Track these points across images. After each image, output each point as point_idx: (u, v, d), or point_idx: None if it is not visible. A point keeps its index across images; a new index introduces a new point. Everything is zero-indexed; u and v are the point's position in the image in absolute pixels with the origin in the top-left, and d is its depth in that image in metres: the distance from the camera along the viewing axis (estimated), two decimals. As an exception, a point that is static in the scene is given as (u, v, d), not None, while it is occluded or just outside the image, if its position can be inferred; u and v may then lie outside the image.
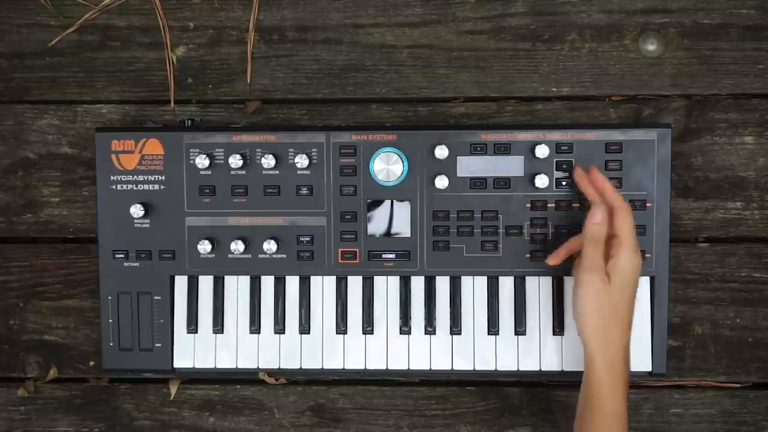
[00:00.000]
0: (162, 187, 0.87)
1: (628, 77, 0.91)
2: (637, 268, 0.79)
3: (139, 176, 0.87)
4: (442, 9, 0.92)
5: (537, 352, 0.87)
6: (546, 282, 0.87)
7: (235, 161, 0.85)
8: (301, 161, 0.85)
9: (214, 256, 0.87)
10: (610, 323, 0.78)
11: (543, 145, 0.85)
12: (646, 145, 0.85)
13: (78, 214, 0.93)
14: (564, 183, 0.86)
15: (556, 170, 0.86)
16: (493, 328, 0.87)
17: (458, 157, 0.86)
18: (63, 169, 0.93)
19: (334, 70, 0.92)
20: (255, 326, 0.88)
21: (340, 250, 0.87)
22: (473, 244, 0.87)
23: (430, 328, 0.87)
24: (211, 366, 0.88)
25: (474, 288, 0.87)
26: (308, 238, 0.87)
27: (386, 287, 0.88)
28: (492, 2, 0.92)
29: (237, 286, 0.88)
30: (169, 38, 0.93)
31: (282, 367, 0.88)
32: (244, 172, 0.87)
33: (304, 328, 0.88)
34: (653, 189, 0.85)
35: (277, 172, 0.87)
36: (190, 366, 0.88)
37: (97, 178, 0.87)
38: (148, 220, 0.87)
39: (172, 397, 0.92)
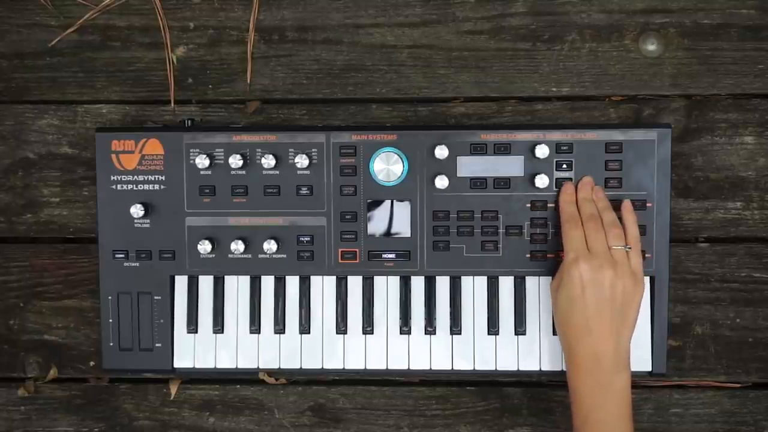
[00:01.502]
0: (162, 187, 0.87)
1: (628, 77, 0.91)
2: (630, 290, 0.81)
3: (139, 176, 0.87)
4: (442, 9, 0.92)
5: (537, 352, 0.87)
6: (546, 282, 0.87)
7: (235, 161, 0.85)
8: (301, 161, 0.85)
9: (214, 256, 0.87)
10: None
11: (543, 145, 0.85)
12: (646, 145, 0.85)
13: (78, 214, 0.93)
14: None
15: (556, 170, 0.86)
16: (493, 328, 0.87)
17: (458, 157, 0.86)
18: (63, 169, 0.93)
19: (334, 70, 0.92)
20: (255, 326, 0.88)
21: (340, 250, 0.87)
22: (473, 244, 0.87)
23: (430, 328, 0.87)
24: (211, 366, 0.88)
25: (474, 288, 0.87)
26: (308, 238, 0.87)
27: (386, 287, 0.88)
28: (492, 2, 0.92)
29: (237, 286, 0.88)
30: (169, 38, 0.93)
31: (282, 367, 0.88)
32: (244, 172, 0.87)
33: (304, 328, 0.88)
34: (653, 189, 0.85)
35: (277, 172, 0.87)
36: (190, 366, 0.88)
37: (97, 178, 0.87)
38: (148, 220, 0.87)
39: (172, 397, 0.92)
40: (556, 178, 0.86)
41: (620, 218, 0.83)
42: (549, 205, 0.86)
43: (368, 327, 0.88)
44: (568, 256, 0.81)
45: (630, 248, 0.81)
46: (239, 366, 0.88)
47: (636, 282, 0.80)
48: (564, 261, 0.81)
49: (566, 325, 0.80)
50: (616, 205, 0.84)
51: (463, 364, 0.87)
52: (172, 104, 0.93)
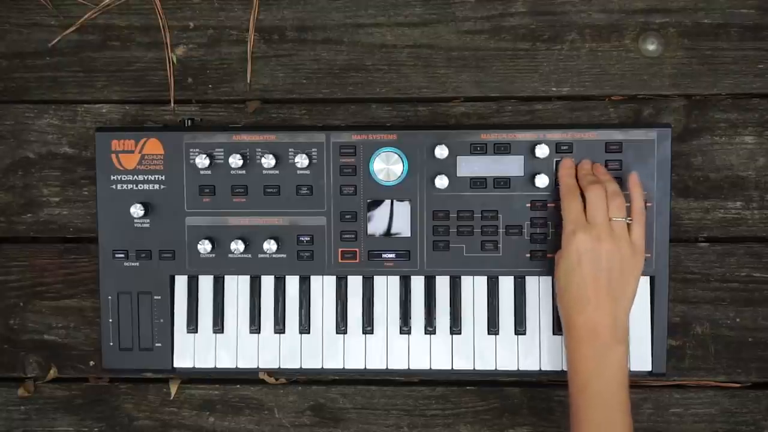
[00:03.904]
0: (162, 186, 0.87)
1: (628, 77, 0.91)
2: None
3: (139, 176, 0.87)
4: (442, 9, 0.92)
5: (537, 352, 0.87)
6: (546, 282, 0.87)
7: (235, 161, 0.85)
8: (301, 161, 0.85)
9: (214, 256, 0.87)
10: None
11: (543, 145, 0.85)
12: (646, 145, 0.85)
13: (78, 214, 0.93)
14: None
15: (556, 170, 0.86)
16: (493, 328, 0.87)
17: (458, 157, 0.86)
18: (63, 169, 0.93)
19: (334, 70, 0.92)
20: (255, 326, 0.88)
21: (340, 250, 0.87)
22: (473, 243, 0.87)
23: (430, 327, 0.87)
24: (211, 366, 0.88)
25: (474, 288, 0.87)
26: (308, 238, 0.87)
27: (386, 287, 0.88)
28: (492, 2, 0.92)
29: (237, 286, 0.88)
30: (169, 38, 0.93)
31: (282, 367, 0.88)
32: (244, 171, 0.87)
33: (304, 328, 0.88)
34: (653, 189, 0.85)
35: (277, 172, 0.87)
36: (190, 366, 0.88)
37: (97, 178, 0.87)
38: (148, 220, 0.87)
39: (172, 397, 0.92)
40: (556, 178, 0.86)
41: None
42: (549, 204, 0.86)
43: (368, 327, 0.88)
44: (566, 228, 0.81)
45: (631, 220, 0.81)
46: (239, 366, 0.88)
47: (635, 254, 0.80)
48: (563, 233, 0.81)
49: (565, 295, 0.80)
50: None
51: (463, 364, 0.87)
52: (172, 104, 0.93)
